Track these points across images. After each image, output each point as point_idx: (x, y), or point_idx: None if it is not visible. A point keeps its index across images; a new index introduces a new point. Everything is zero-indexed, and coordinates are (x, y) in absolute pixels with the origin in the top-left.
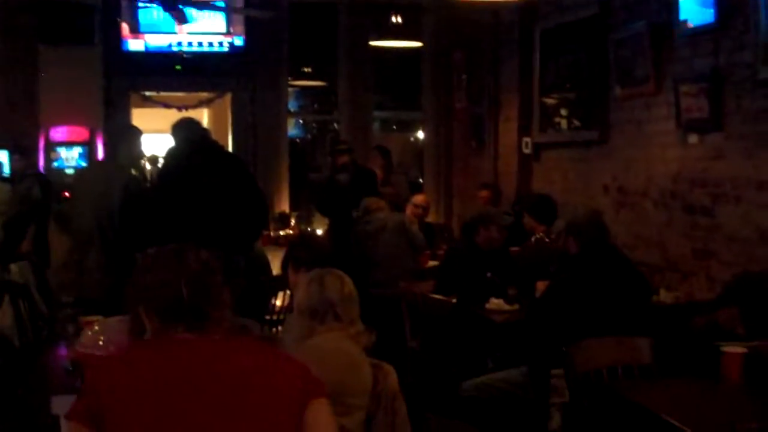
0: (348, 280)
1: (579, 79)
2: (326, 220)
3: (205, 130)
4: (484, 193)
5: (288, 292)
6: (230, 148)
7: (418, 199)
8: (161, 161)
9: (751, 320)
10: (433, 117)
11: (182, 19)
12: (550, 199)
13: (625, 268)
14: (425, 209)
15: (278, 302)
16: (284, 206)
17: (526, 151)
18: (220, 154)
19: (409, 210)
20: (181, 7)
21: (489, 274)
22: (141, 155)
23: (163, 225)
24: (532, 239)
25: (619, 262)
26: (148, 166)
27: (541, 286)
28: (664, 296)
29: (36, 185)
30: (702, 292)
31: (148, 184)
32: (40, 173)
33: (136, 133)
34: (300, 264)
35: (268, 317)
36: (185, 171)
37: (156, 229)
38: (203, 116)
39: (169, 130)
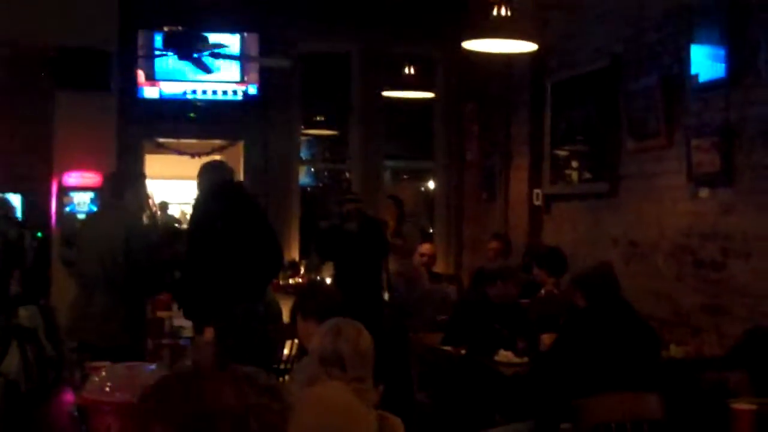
0: (366, 334)
1: (590, 131)
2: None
3: (229, 172)
4: (494, 244)
5: (296, 341)
6: None
7: (425, 248)
8: (174, 208)
9: (761, 377)
10: (444, 167)
11: (207, 70)
12: (559, 251)
13: (634, 322)
14: (431, 258)
15: (286, 351)
16: (294, 254)
17: (537, 202)
18: (240, 198)
19: (415, 259)
20: (196, 55)
21: (497, 326)
22: (146, 200)
23: (182, 269)
24: (542, 291)
25: (628, 316)
26: (158, 212)
27: (546, 339)
28: (674, 351)
29: (11, 227)
30: (712, 348)
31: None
32: (12, 216)
33: (141, 178)
34: (308, 313)
35: (275, 366)
36: (203, 216)
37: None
38: None
39: (197, 174)
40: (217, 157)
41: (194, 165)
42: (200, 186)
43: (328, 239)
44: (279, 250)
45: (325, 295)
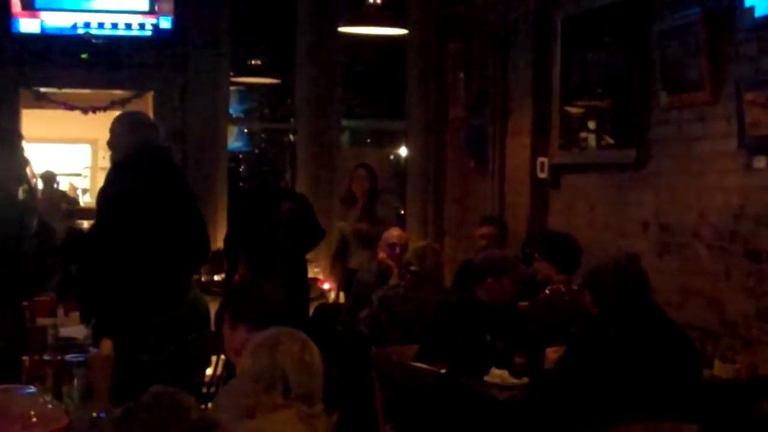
0: (312, 346)
1: (612, 82)
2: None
3: (154, 131)
4: (484, 230)
5: (222, 356)
6: None
7: (393, 234)
8: (61, 181)
9: None
10: (420, 129)
11: None
12: (571, 240)
13: (667, 332)
14: (403, 248)
15: (209, 371)
16: (220, 242)
17: (542, 175)
18: (168, 168)
19: (381, 253)
20: None
21: (489, 337)
22: (23, 169)
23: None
24: (547, 291)
25: (659, 325)
26: (40, 185)
27: (551, 354)
28: (720, 369)
29: None
30: None
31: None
32: None
33: (16, 139)
34: (240, 319)
35: (199, 388)
36: (120, 191)
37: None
38: None
39: (110, 132)
40: (111, 115)
41: (87, 123)
42: (116, 148)
43: (237, 228)
44: (206, 237)
45: (263, 296)
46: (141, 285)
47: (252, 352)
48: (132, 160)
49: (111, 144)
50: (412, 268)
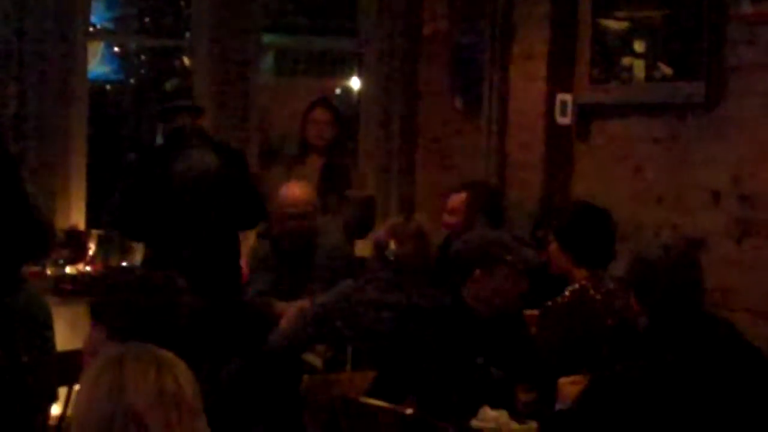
0: (181, 367)
1: None
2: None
3: None
4: (456, 201)
5: (75, 387)
6: None
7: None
8: None
9: None
10: (380, 50)
11: None
12: (604, 217)
13: (741, 353)
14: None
15: (55, 408)
16: (77, 219)
17: (563, 120)
18: None
19: None
20: None
21: (480, 360)
22: None
23: None
24: (566, 293)
25: (731, 342)
26: None
27: (567, 388)
28: None
29: None
30: None
31: None
32: None
33: None
34: (99, 318)
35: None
36: None
37: None
38: None
39: None
40: None
41: None
42: None
43: (138, 192)
44: (32, 214)
45: (136, 293)
46: None
47: (88, 385)
48: None
49: None
50: (390, 255)
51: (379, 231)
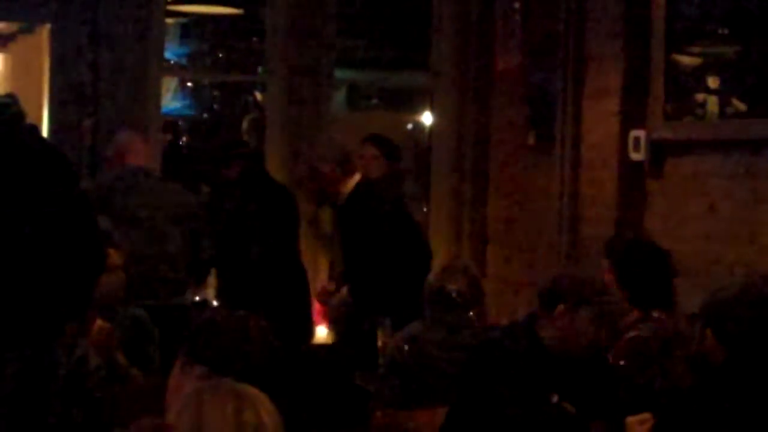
0: (262, 401)
1: (745, 18)
2: None
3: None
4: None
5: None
6: (46, 132)
7: None
8: None
9: None
10: (452, 85)
11: None
12: (662, 254)
13: None
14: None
15: None
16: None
17: (636, 156)
18: (22, 144)
19: None
20: None
21: (555, 397)
22: None
23: None
24: (628, 336)
25: None
26: None
27: (637, 429)
28: None
29: None
30: None
31: None
32: None
33: None
34: (196, 358)
35: None
36: None
37: None
38: None
39: None
40: None
41: None
42: None
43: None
44: (94, 241)
45: (238, 332)
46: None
47: (175, 418)
48: None
49: None
50: (453, 293)
51: (435, 274)
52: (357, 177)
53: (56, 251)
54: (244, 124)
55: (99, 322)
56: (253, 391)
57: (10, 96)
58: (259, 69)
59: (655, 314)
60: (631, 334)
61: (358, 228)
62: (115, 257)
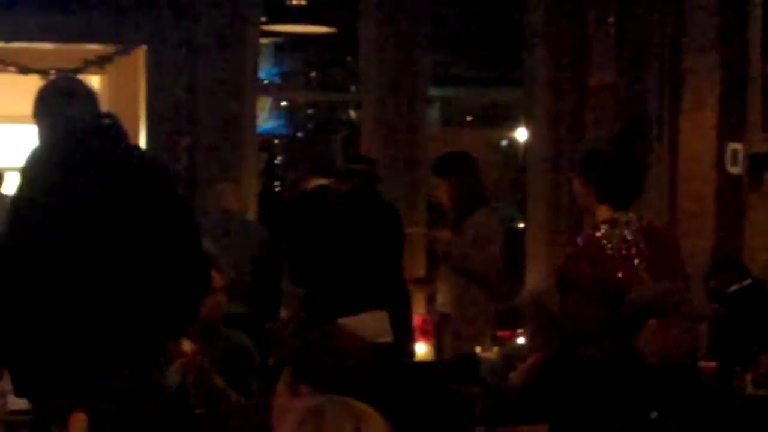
0: (378, 419)
1: None
2: None
3: (94, 106)
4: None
5: None
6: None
7: None
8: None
9: None
10: (545, 101)
11: None
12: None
13: None
14: None
15: None
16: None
17: (734, 170)
18: (126, 163)
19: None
20: None
21: (654, 414)
22: None
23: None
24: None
25: None
26: None
27: None
28: None
29: None
30: None
31: None
32: None
33: None
34: (301, 378)
35: None
36: (61, 198)
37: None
38: None
39: (33, 110)
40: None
41: None
42: (41, 135)
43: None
44: (202, 255)
45: (342, 353)
46: (94, 340)
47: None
48: (56, 152)
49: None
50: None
51: (531, 299)
52: None
53: (165, 271)
54: (334, 143)
55: (188, 341)
56: (369, 409)
57: (110, 116)
58: (353, 88)
59: None
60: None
61: None
62: (217, 279)
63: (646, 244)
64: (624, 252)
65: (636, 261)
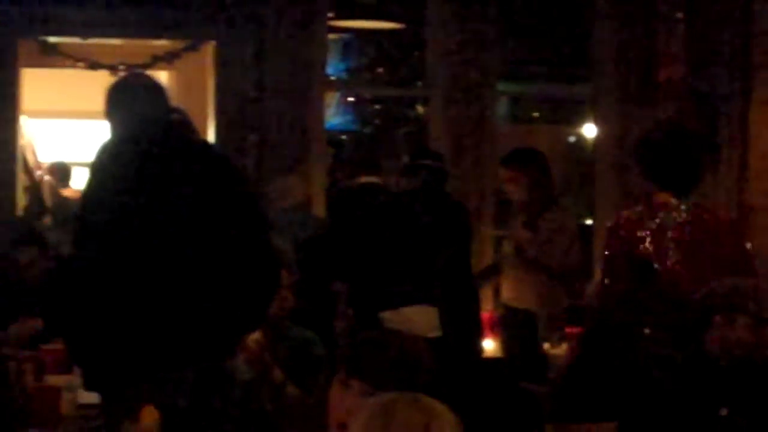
0: (445, 417)
1: None
2: None
3: (165, 103)
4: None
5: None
6: None
7: None
8: (85, 171)
9: None
10: (614, 97)
11: None
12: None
13: None
14: None
15: None
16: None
17: None
18: (197, 157)
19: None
20: None
21: (724, 411)
22: (23, 158)
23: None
24: None
25: None
26: (48, 183)
27: None
28: None
29: None
30: None
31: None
32: None
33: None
34: (355, 373)
35: None
36: (132, 193)
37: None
38: None
39: (104, 106)
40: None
41: None
42: (112, 130)
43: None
44: (269, 254)
45: (396, 348)
46: (165, 331)
47: (361, 426)
48: (127, 147)
49: (110, 128)
50: None
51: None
52: None
53: (237, 265)
54: (399, 138)
55: (252, 336)
56: (441, 406)
57: (179, 111)
58: (420, 84)
59: None
60: None
61: None
62: (284, 277)
63: (693, 228)
64: (660, 232)
65: (670, 240)
